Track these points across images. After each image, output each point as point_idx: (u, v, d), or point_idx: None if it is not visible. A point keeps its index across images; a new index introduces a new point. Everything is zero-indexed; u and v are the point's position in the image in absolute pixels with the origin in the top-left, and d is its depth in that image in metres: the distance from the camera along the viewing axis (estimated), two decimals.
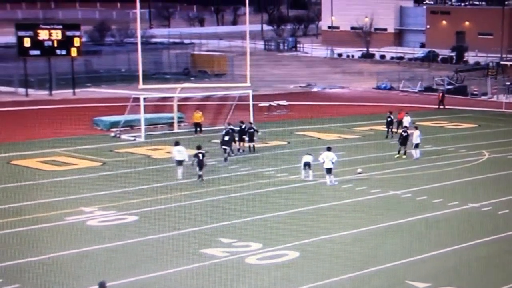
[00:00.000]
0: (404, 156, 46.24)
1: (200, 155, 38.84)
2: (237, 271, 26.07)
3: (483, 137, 55.27)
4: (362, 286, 25.10)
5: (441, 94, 72.87)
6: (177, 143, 40.32)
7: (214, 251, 27.93)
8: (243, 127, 46.84)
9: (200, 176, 38.78)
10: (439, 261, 27.66)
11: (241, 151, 46.44)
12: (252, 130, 46.89)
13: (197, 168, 38.77)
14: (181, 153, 39.74)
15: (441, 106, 71.08)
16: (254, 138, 46.92)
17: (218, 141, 45.61)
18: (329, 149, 39.17)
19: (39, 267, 26.07)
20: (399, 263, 27.27)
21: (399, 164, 44.67)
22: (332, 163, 38.44)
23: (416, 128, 47.57)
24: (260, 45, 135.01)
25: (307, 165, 39.85)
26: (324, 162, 38.56)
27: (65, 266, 26.30)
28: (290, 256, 27.71)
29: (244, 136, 46.69)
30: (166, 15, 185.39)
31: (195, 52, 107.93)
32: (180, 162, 39.64)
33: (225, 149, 44.02)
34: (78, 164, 43.09)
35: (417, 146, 46.22)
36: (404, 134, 46.73)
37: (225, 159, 43.71)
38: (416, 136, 46.25)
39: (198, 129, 52.77)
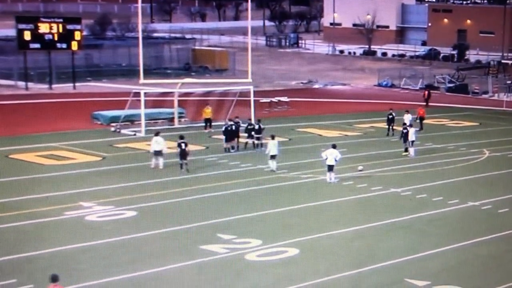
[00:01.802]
0: (405, 154, 46.20)
1: (183, 145, 39.77)
2: (237, 268, 26.01)
3: (484, 136, 55.20)
4: (362, 283, 25.03)
5: (426, 92, 72.42)
6: (156, 134, 41.45)
7: (214, 247, 27.86)
8: (240, 123, 46.71)
9: (181, 165, 39.82)
10: (439, 259, 27.59)
11: (235, 147, 46.11)
12: (251, 127, 46.74)
13: (179, 157, 39.81)
14: (159, 143, 40.62)
15: (427, 103, 70.62)
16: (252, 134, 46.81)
17: (219, 136, 45.66)
18: (334, 146, 38.89)
19: (37, 262, 25.99)
20: (398, 261, 27.20)
21: (399, 161, 44.60)
22: (336, 160, 38.29)
23: (411, 126, 47.71)
24: (261, 41, 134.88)
25: (273, 157, 40.45)
26: (326, 158, 38.40)
27: (64, 261, 26.19)
28: (290, 253, 27.64)
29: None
30: (167, 9, 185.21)
31: (196, 47, 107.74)
32: (158, 153, 40.54)
33: (258, 137, 46.04)
34: (78, 159, 42.99)
35: (412, 143, 46.19)
36: (405, 131, 46.77)
37: (262, 145, 45.57)
38: (411, 134, 46.25)
39: (208, 124, 52.46)
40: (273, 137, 41.33)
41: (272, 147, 40.66)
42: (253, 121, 47.98)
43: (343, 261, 27.07)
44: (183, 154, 39.83)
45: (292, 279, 25.04)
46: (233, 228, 30.43)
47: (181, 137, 40.52)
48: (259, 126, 46.64)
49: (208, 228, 30.32)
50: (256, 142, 46.36)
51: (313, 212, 33.47)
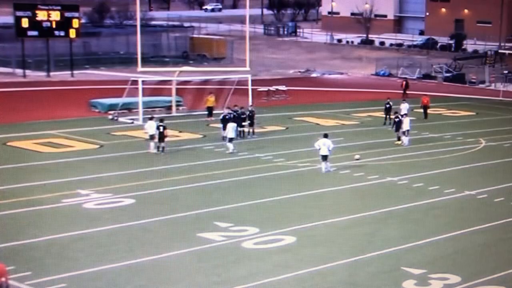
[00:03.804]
0: (398, 142, 46.25)
1: (161, 128, 41.24)
2: (234, 256, 26.13)
3: (480, 125, 55.32)
4: (358, 271, 25.14)
5: (404, 83, 70.29)
6: (150, 118, 42.70)
7: (211, 235, 27.97)
8: (239, 112, 46.75)
9: (159, 148, 41.40)
10: (435, 248, 27.73)
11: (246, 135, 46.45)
12: (244, 116, 46.79)
13: (157, 140, 41.44)
14: (151, 127, 41.77)
15: (405, 94, 69.11)
16: (243, 123, 46.82)
17: (217, 125, 45.88)
18: (325, 136, 38.98)
19: (35, 250, 26.09)
20: (395, 249, 27.33)
21: (396, 150, 44.70)
22: (329, 150, 38.34)
23: (406, 115, 47.88)
24: (259, 29, 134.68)
25: (231, 140, 42.13)
26: (320, 148, 38.45)
27: (61, 248, 26.34)
28: (287, 241, 27.76)
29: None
30: None
31: (194, 36, 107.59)
32: (152, 136, 41.82)
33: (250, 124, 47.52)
34: (75, 146, 43.06)
35: (407, 132, 46.26)
36: (397, 120, 46.81)
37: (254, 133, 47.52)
38: (406, 123, 46.32)
39: (210, 112, 52.23)
40: (233, 121, 43.36)
41: (229, 129, 42.27)
42: (244, 110, 47.82)
43: (340, 249, 27.20)
44: (161, 137, 41.25)
45: (288, 266, 25.16)
46: (230, 216, 30.54)
47: (161, 120, 41.98)
48: (251, 113, 46.95)
49: (205, 216, 30.44)
50: (247, 129, 46.73)
51: (310, 201, 33.60)
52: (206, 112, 52.21)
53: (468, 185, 36.87)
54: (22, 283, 22.96)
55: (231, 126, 42.47)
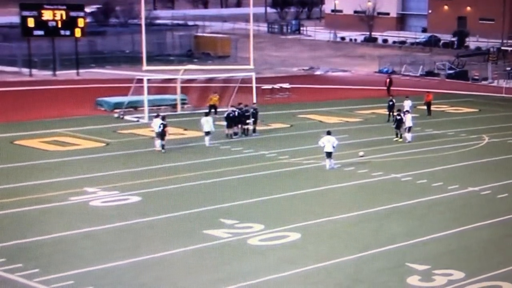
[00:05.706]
0: (400, 140, 46.42)
1: (161, 125, 41.50)
2: (240, 252, 26.32)
3: (483, 122, 55.46)
4: (363, 268, 25.31)
5: (388, 80, 69.23)
6: (156, 116, 43.14)
7: (217, 232, 28.17)
8: (243, 109, 46.94)
9: (163, 146, 41.52)
10: (439, 244, 27.89)
11: (238, 133, 46.47)
12: (248, 114, 46.96)
13: (160, 137, 41.73)
14: (156, 125, 42.15)
15: (388, 91, 67.33)
16: (248, 121, 47.03)
17: (221, 123, 46.14)
18: (329, 133, 39.13)
19: (42, 247, 26.29)
20: (399, 245, 27.51)
21: (400, 147, 44.90)
22: (333, 147, 38.53)
23: (408, 112, 48.07)
24: (263, 27, 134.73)
25: (207, 134, 43.16)
26: (324, 146, 38.64)
27: (68, 246, 26.54)
28: (292, 237, 27.96)
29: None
30: None
31: (199, 34, 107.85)
32: (158, 134, 42.10)
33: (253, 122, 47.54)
34: (82, 145, 43.33)
35: (409, 129, 46.44)
36: (398, 117, 46.95)
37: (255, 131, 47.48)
38: (409, 120, 46.47)
39: (213, 110, 52.31)
40: (206, 114, 44.56)
41: (205, 123, 43.16)
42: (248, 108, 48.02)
43: (345, 246, 27.40)
44: (162, 135, 41.51)
45: (294, 263, 25.36)
46: (235, 213, 30.74)
47: (162, 118, 42.21)
48: (254, 111, 47.22)
49: (211, 213, 30.64)
50: (250, 127, 46.92)
51: (314, 197, 33.79)
52: (207, 110, 52.31)
53: (472, 182, 37.06)
54: (30, 280, 23.15)
55: (206, 120, 43.40)
